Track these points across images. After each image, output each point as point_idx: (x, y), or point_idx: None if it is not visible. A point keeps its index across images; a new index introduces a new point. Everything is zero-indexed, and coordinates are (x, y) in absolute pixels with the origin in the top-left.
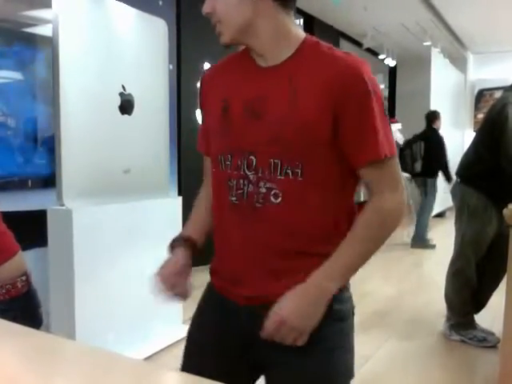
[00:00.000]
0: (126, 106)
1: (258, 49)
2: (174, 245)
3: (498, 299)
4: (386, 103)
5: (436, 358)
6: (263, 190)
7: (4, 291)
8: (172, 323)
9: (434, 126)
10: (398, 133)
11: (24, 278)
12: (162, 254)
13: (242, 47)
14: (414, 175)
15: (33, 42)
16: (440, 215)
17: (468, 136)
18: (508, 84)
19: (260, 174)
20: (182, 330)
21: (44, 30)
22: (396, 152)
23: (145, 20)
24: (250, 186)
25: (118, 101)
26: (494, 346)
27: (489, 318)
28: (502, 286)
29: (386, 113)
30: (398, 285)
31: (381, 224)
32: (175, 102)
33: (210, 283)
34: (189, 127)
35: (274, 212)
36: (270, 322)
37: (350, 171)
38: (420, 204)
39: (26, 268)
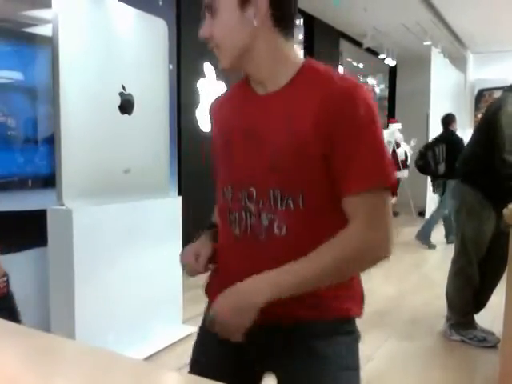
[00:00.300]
0: (126, 106)
1: (256, 76)
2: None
3: (497, 299)
4: (386, 103)
5: (436, 358)
6: (265, 223)
7: None
8: (172, 323)
9: (451, 128)
10: (397, 132)
11: (5, 278)
12: (161, 253)
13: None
14: (437, 177)
15: (33, 41)
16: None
17: (468, 136)
18: (508, 84)
19: (261, 205)
20: (182, 330)
21: (44, 30)
22: (393, 181)
23: (145, 20)
24: (253, 218)
25: (117, 100)
26: (494, 346)
27: (489, 318)
28: (502, 286)
29: (384, 138)
30: (398, 284)
31: (347, 253)
32: (175, 101)
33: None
34: (189, 127)
35: (280, 244)
36: (208, 316)
37: None
38: (438, 205)
39: (4, 270)
